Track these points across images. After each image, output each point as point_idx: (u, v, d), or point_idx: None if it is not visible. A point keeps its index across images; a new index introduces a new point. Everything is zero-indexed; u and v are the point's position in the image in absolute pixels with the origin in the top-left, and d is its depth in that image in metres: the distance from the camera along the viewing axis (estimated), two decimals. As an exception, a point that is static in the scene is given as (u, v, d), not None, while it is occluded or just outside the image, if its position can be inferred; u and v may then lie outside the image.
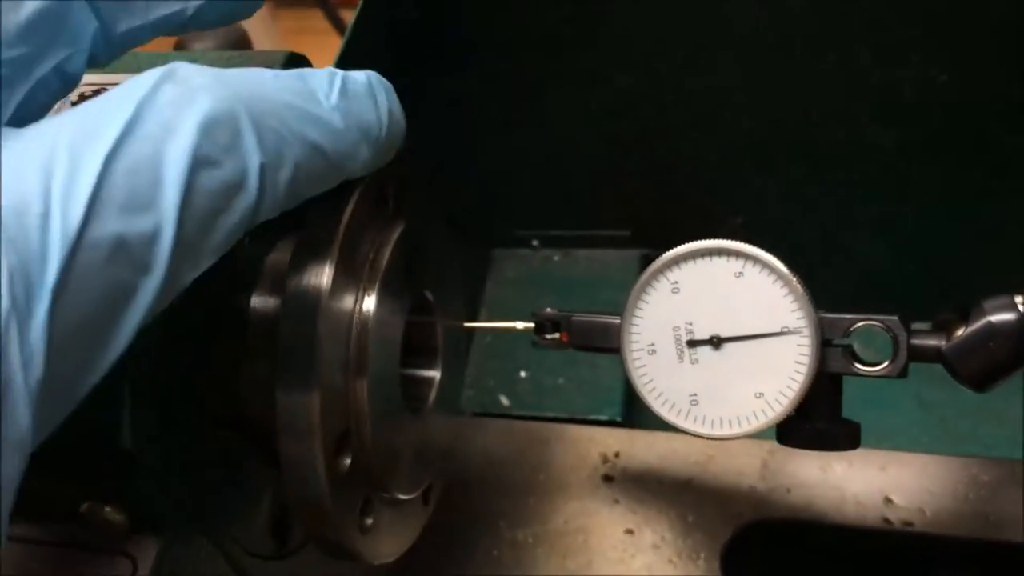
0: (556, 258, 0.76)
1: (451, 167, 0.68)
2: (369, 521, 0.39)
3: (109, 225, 0.25)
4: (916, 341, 0.41)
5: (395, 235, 0.40)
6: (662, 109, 0.66)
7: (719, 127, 0.66)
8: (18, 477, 0.24)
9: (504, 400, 0.67)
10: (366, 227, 0.38)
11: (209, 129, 0.27)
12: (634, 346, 0.44)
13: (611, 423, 0.65)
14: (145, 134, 0.26)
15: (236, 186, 0.28)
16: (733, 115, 0.65)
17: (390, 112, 0.35)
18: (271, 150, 0.29)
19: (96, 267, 0.24)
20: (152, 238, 0.26)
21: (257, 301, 0.40)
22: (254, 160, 0.28)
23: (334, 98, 0.32)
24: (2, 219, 0.23)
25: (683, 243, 0.43)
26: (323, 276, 0.35)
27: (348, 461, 0.37)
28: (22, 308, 0.23)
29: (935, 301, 0.62)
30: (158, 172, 0.26)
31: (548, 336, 0.47)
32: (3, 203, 0.23)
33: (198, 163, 0.27)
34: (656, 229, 0.72)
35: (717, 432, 0.43)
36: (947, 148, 0.62)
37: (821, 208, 0.68)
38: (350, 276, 0.37)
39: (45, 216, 0.24)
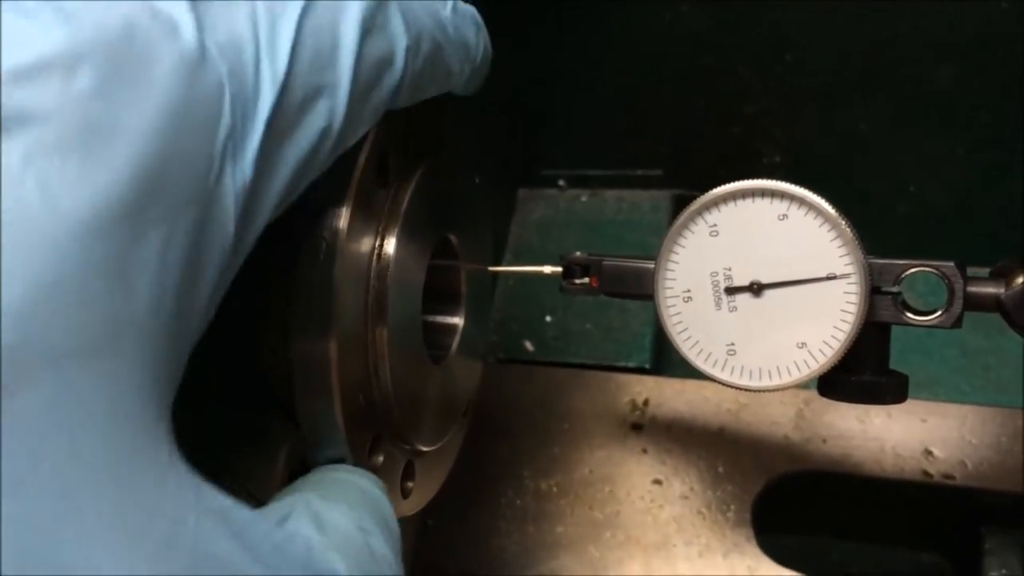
0: (583, 199, 0.73)
1: (473, 101, 0.65)
2: (411, 484, 0.38)
3: (303, 75, 0.27)
4: (972, 289, 0.39)
5: (416, 175, 0.37)
6: (713, 42, 0.63)
7: (777, 63, 0.62)
8: (219, 267, 0.26)
9: (529, 346, 0.65)
10: (386, 165, 0.36)
11: (370, 7, 0.30)
12: (668, 292, 0.41)
13: (639, 370, 0.63)
14: (323, 4, 0.28)
15: (387, 61, 0.31)
16: (789, 52, 0.62)
17: (484, 43, 0.38)
18: (413, 36, 0.32)
19: (293, 111, 0.27)
20: (333, 92, 0.29)
21: (271, 244, 0.38)
22: (402, 41, 0.31)
23: (448, 12, 0.35)
24: (222, 51, 0.25)
25: (718, 184, 0.40)
26: (340, 218, 0.33)
27: (381, 459, 0.35)
28: (238, 133, 0.25)
29: (994, 248, 0.59)
30: (336, 36, 0.29)
31: (577, 281, 0.44)
32: (221, 38, 0.25)
33: (364, 33, 0.29)
34: (689, 169, 0.70)
35: (756, 384, 0.40)
36: (1011, 83, 0.58)
37: (873, 148, 0.65)
38: (369, 217, 0.35)
39: (257, 58, 0.26)
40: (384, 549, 0.31)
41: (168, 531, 0.23)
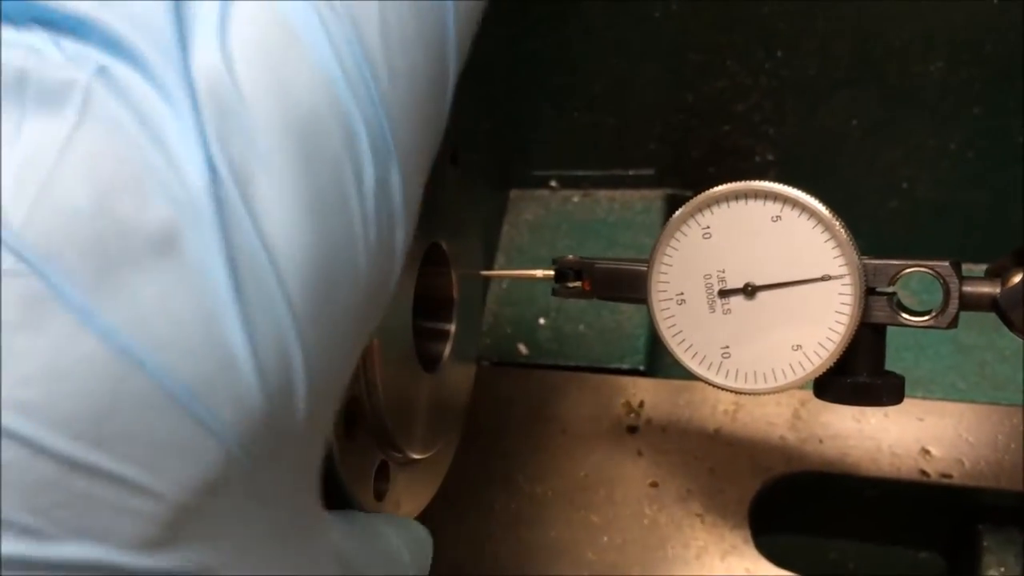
0: (576, 199, 0.73)
1: (462, 100, 0.64)
2: (385, 487, 0.37)
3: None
4: (968, 289, 0.38)
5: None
6: (702, 39, 0.62)
7: (767, 60, 0.62)
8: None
9: (522, 348, 0.65)
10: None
11: None
12: (662, 296, 0.41)
13: (634, 372, 0.62)
14: None
15: None
16: (779, 48, 0.61)
17: None
18: None
19: None
20: None
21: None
22: None
23: None
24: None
25: (711, 183, 0.40)
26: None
27: (356, 429, 0.35)
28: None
29: (988, 242, 0.59)
30: None
31: (570, 284, 0.44)
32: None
33: None
34: (682, 168, 0.69)
35: (750, 386, 0.40)
36: (1002, 77, 0.58)
37: (864, 143, 0.64)
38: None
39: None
40: None
41: None
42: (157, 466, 0.20)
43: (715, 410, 0.58)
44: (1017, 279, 0.37)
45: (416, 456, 0.40)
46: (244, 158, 0.20)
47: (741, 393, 0.40)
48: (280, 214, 0.21)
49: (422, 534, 0.37)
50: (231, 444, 0.21)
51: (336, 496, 0.34)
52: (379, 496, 0.37)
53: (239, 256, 0.20)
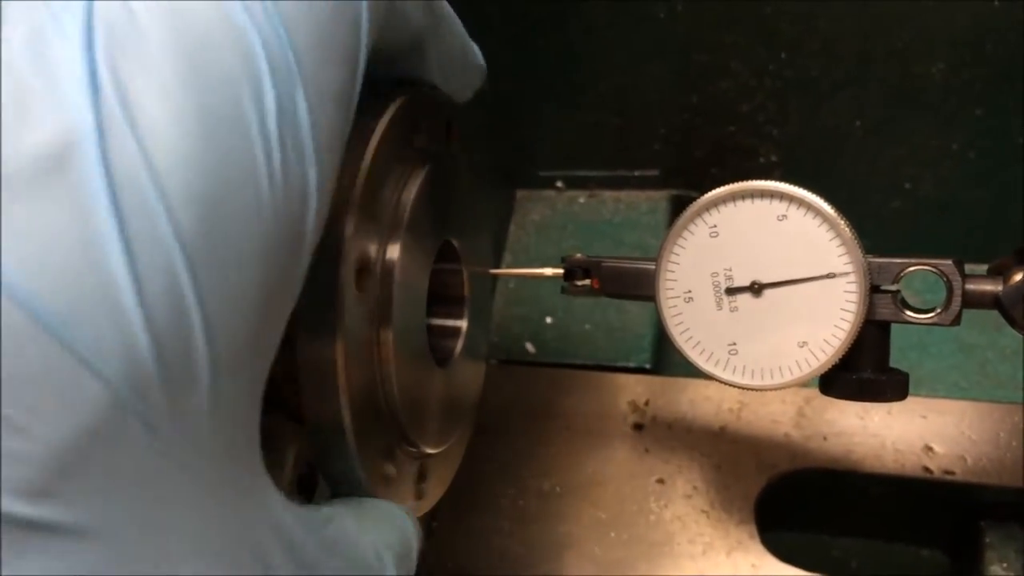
0: (581, 200, 0.73)
1: (469, 102, 0.65)
2: (424, 485, 0.38)
3: None
4: (971, 286, 0.39)
5: (419, 178, 0.38)
6: (707, 40, 0.63)
7: (771, 61, 0.63)
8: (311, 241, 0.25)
9: (530, 347, 0.66)
10: (391, 166, 0.36)
11: None
12: (670, 293, 0.42)
13: (640, 370, 0.63)
14: None
15: None
16: (783, 49, 0.62)
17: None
18: None
19: None
20: None
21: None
22: None
23: None
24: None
25: (715, 183, 0.41)
26: (344, 221, 0.33)
27: (392, 469, 0.36)
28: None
29: (989, 242, 0.60)
30: None
31: (579, 282, 0.45)
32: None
33: None
34: (686, 168, 0.70)
35: (757, 383, 0.41)
36: (1003, 77, 0.59)
37: (867, 144, 0.65)
38: (373, 220, 0.35)
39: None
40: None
41: (246, 552, 0.24)
42: (34, 405, 0.18)
43: (720, 408, 0.59)
44: (1019, 277, 0.38)
45: (429, 450, 0.40)
46: (132, 78, 0.20)
47: (748, 389, 0.41)
48: (166, 129, 0.20)
49: (408, 529, 0.35)
50: (118, 385, 0.19)
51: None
52: (420, 495, 0.38)
53: (119, 172, 0.19)
